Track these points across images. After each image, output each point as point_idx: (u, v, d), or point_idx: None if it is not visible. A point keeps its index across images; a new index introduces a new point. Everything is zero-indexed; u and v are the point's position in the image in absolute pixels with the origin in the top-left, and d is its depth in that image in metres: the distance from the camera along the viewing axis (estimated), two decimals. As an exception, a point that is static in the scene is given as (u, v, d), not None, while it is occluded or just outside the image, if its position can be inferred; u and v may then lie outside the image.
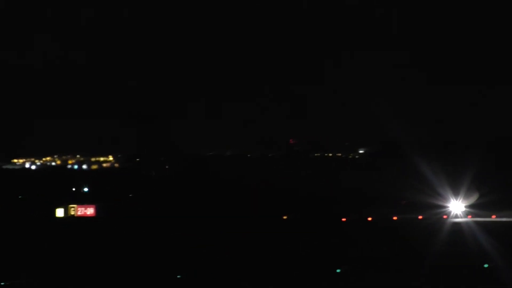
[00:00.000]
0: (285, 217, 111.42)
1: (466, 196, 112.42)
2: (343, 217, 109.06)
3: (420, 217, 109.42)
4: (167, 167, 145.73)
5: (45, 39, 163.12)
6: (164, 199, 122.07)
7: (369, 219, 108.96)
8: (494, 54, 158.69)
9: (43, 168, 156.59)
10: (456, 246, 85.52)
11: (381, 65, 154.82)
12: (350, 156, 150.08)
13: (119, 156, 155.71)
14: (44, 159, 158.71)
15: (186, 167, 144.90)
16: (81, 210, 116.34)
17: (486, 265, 74.34)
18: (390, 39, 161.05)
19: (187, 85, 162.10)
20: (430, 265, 74.64)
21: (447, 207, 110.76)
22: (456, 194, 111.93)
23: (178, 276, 73.21)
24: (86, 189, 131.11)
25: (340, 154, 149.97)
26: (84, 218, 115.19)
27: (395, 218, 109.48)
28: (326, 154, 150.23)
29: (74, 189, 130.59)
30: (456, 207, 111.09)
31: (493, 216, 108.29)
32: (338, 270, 73.35)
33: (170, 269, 75.35)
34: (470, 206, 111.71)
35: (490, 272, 72.18)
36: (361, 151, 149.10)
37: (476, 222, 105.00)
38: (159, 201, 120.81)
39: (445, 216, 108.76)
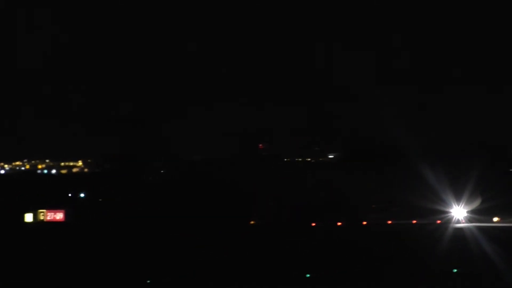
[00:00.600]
0: (252, 222, 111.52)
1: (468, 201, 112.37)
2: (313, 222, 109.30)
3: (389, 222, 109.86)
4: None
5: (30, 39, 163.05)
6: (134, 204, 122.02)
7: (339, 224, 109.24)
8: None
9: (12, 173, 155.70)
10: (426, 252, 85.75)
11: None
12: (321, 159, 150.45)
13: (88, 161, 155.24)
14: (13, 163, 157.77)
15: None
16: (51, 215, 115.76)
17: (455, 270, 74.41)
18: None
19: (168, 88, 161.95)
20: (400, 271, 74.83)
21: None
22: (456, 199, 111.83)
23: (148, 281, 73.09)
24: (56, 194, 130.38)
25: (310, 159, 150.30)
26: (53, 223, 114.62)
27: (364, 223, 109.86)
28: (296, 159, 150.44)
29: (44, 194, 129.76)
30: (459, 213, 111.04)
31: (462, 221, 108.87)
32: (307, 275, 73.41)
33: (140, 274, 75.16)
34: (471, 212, 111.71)
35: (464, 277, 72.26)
36: (330, 156, 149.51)
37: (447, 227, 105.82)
38: (130, 206, 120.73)
39: (414, 221, 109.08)
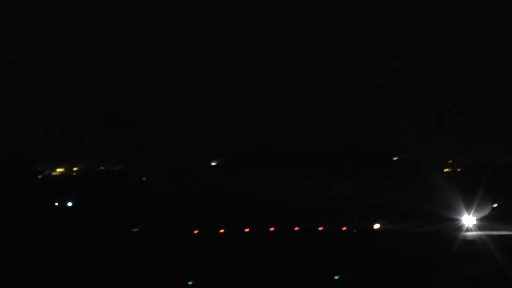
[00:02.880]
0: (135, 230, 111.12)
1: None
2: (196, 229, 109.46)
3: (271, 228, 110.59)
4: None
5: None
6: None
7: (221, 231, 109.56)
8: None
9: None
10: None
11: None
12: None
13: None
14: None
15: None
16: None
17: (336, 277, 74.72)
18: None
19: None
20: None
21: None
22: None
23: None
24: None
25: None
26: None
27: (247, 230, 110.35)
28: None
29: None
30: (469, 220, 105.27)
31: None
32: (189, 283, 73.28)
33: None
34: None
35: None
36: (213, 163, 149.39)
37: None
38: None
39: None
